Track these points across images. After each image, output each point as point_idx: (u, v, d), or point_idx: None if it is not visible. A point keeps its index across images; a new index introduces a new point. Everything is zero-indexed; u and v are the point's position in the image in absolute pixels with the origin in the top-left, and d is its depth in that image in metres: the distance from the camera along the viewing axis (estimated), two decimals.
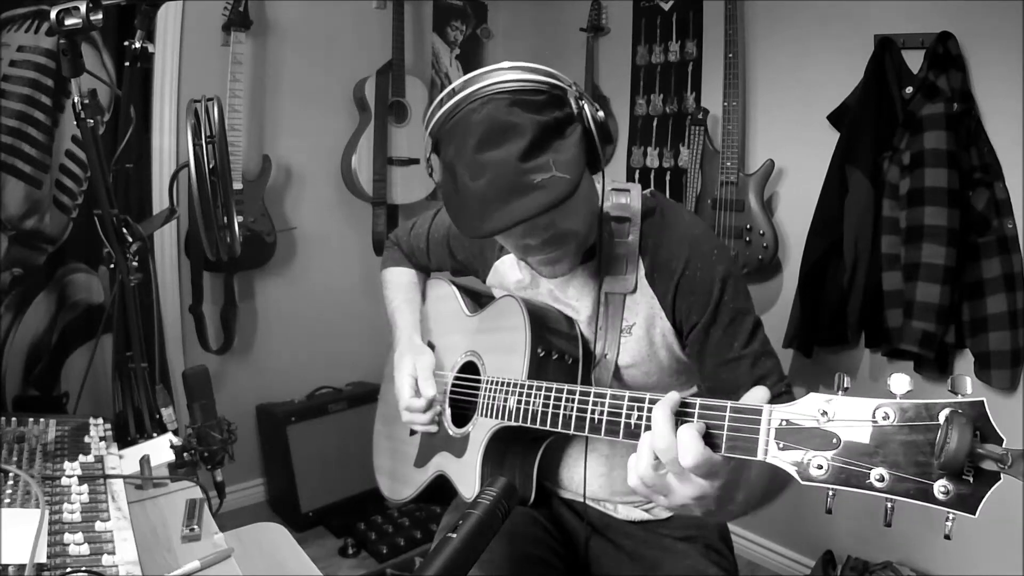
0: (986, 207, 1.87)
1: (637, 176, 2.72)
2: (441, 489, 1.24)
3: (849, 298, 2.09)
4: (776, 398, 1.05)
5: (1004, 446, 0.57)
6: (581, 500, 1.22)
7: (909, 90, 1.95)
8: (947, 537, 0.60)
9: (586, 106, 0.95)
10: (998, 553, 1.91)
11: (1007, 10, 1.82)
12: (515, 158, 0.88)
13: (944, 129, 1.86)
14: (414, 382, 1.22)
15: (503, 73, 0.93)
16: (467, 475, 1.12)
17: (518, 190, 0.88)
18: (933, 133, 1.87)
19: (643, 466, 0.76)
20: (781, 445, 0.68)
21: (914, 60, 1.97)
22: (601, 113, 0.96)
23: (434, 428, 1.22)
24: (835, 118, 2.15)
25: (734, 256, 2.27)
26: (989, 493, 0.58)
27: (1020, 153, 1.85)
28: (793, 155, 2.28)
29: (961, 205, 1.86)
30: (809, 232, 2.15)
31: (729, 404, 0.74)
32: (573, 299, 1.15)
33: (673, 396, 0.77)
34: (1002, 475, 0.57)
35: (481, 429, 1.11)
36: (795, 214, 2.26)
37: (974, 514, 0.58)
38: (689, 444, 0.72)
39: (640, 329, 1.10)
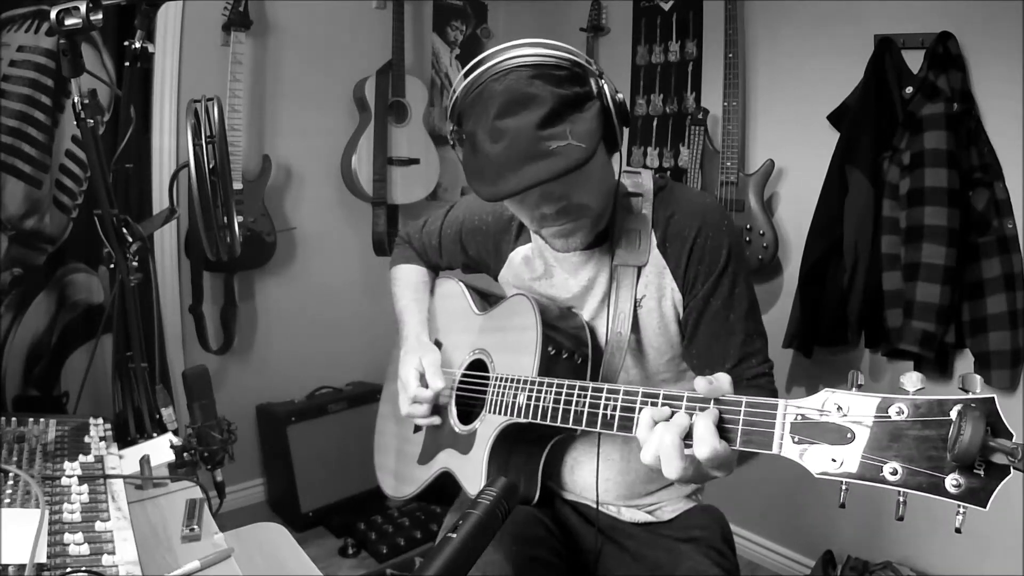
0: (986, 207, 1.87)
1: None
2: (443, 489, 1.24)
3: (849, 298, 2.09)
4: (757, 378, 1.08)
5: (1014, 440, 0.58)
6: (584, 502, 1.23)
7: (909, 90, 1.95)
8: (958, 530, 0.60)
9: (605, 86, 0.97)
10: (998, 553, 1.91)
11: (1007, 10, 1.82)
12: (532, 126, 0.91)
13: (944, 129, 1.86)
14: (420, 375, 1.22)
15: (526, 47, 0.96)
16: (473, 472, 1.12)
17: (534, 155, 0.91)
18: (933, 133, 1.87)
19: (646, 458, 0.80)
20: (796, 439, 0.69)
21: (914, 60, 1.97)
22: (620, 95, 0.99)
23: (436, 420, 1.22)
24: (835, 118, 2.15)
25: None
26: (1000, 486, 0.58)
27: (1020, 153, 1.85)
28: (793, 155, 2.28)
29: (961, 205, 1.86)
30: (809, 232, 2.15)
31: (744, 399, 0.75)
32: (588, 285, 1.15)
33: (713, 412, 0.78)
34: (1012, 469, 0.58)
35: (489, 425, 1.11)
36: (795, 214, 2.26)
37: (985, 507, 0.59)
38: (704, 436, 0.74)
39: (652, 300, 1.11)
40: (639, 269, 1.10)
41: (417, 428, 1.34)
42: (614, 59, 2.77)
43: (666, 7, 2.61)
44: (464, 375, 1.24)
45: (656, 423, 0.80)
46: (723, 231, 1.08)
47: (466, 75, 0.98)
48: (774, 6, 2.30)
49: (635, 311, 1.11)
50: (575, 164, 0.91)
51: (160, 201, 2.30)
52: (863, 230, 2.04)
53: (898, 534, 2.13)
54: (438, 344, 1.33)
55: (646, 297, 1.11)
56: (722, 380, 0.79)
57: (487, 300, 1.35)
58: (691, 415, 0.78)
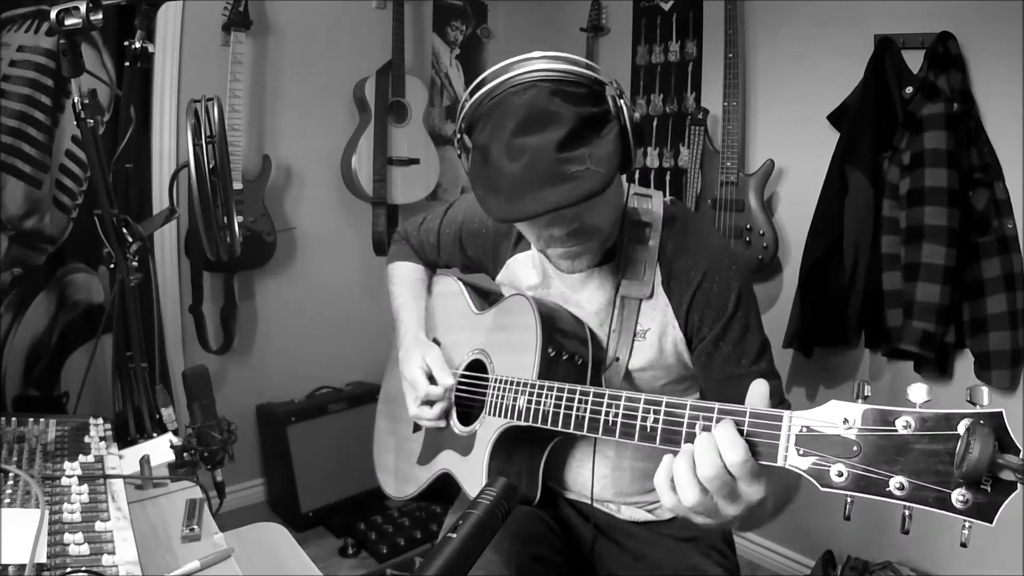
0: (986, 207, 1.87)
1: (637, 176, 2.72)
2: (443, 488, 1.24)
3: (849, 298, 2.09)
4: None
5: (1022, 456, 0.58)
6: (585, 501, 1.22)
7: (909, 90, 1.95)
8: (963, 545, 0.60)
9: (624, 106, 0.95)
10: (998, 553, 1.90)
11: (1007, 10, 1.82)
12: (553, 146, 0.89)
13: (944, 129, 1.86)
14: (426, 373, 1.21)
15: (546, 61, 0.94)
16: (473, 473, 1.12)
17: (553, 178, 0.89)
18: (933, 133, 1.87)
19: (690, 496, 0.73)
20: (801, 451, 0.68)
21: (914, 60, 1.97)
22: (638, 115, 0.97)
23: (442, 423, 1.22)
24: (835, 118, 2.15)
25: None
26: (1006, 502, 0.58)
27: (1020, 153, 1.85)
28: (793, 155, 2.27)
29: (961, 205, 1.86)
30: (809, 232, 2.15)
31: (749, 409, 0.73)
32: (586, 302, 1.14)
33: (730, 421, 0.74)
34: (1019, 485, 0.58)
35: (489, 428, 1.11)
36: (795, 214, 2.26)
37: (991, 523, 0.58)
38: (733, 440, 0.71)
39: (653, 335, 1.10)
40: (641, 301, 1.09)
41: (417, 427, 1.34)
42: (614, 59, 2.77)
43: (666, 7, 2.61)
44: (463, 375, 1.23)
45: (672, 478, 0.75)
46: (731, 274, 1.06)
47: (481, 84, 0.95)
48: (774, 6, 2.30)
49: (633, 342, 1.10)
50: (595, 191, 0.89)
51: (160, 201, 2.30)
52: (863, 230, 2.04)
53: (898, 534, 2.12)
54: (436, 343, 1.33)
55: (649, 331, 1.10)
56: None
57: (486, 299, 1.34)
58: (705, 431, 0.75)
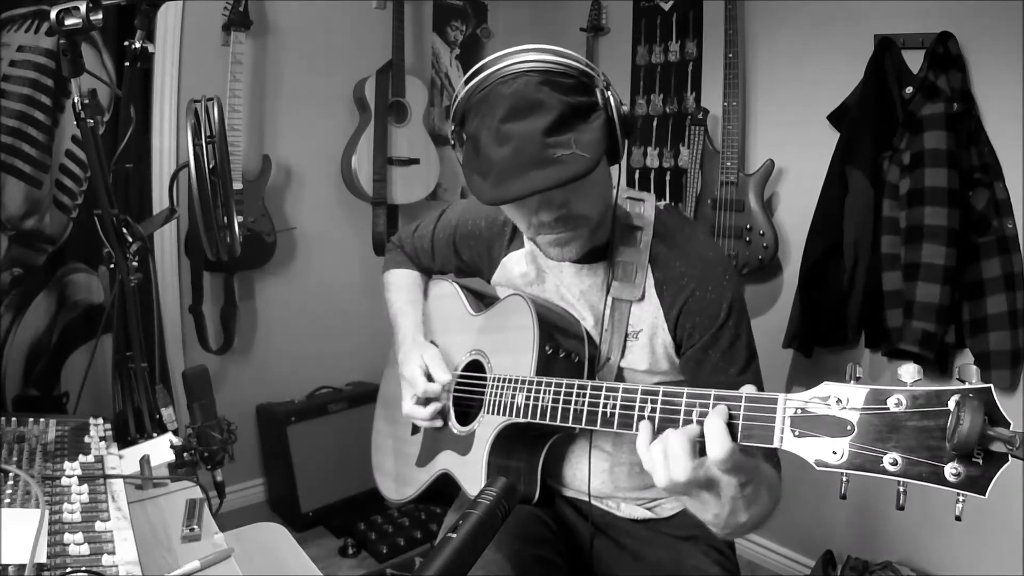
0: (986, 207, 1.87)
1: (637, 176, 2.72)
2: (442, 489, 1.24)
3: (849, 298, 2.09)
4: None
5: (1012, 429, 0.59)
6: (584, 498, 1.22)
7: (909, 90, 1.95)
8: (958, 518, 0.61)
9: (612, 97, 0.97)
10: (998, 553, 1.91)
11: (1007, 10, 1.82)
12: (539, 132, 0.91)
13: (944, 129, 1.86)
14: (424, 372, 1.22)
15: (536, 53, 0.96)
16: (472, 473, 1.12)
17: (538, 162, 0.91)
18: (933, 133, 1.87)
19: (678, 469, 0.76)
20: (797, 432, 0.70)
21: (914, 60, 1.97)
22: (626, 107, 0.99)
23: (438, 423, 1.22)
24: (835, 118, 2.15)
25: (735, 261, 2.27)
26: (998, 474, 0.59)
27: (1020, 153, 1.85)
28: (793, 155, 2.28)
29: (961, 205, 1.86)
30: (809, 232, 2.15)
31: (744, 394, 0.75)
32: (579, 299, 1.15)
33: (723, 410, 0.76)
34: (1010, 457, 0.59)
35: (487, 426, 1.11)
36: (795, 214, 2.26)
37: (984, 495, 0.59)
38: (718, 433, 0.73)
39: (645, 336, 1.11)
40: (632, 303, 1.10)
41: (415, 430, 1.34)
42: (614, 59, 2.77)
43: (666, 7, 2.61)
44: (461, 376, 1.23)
45: (652, 443, 0.79)
46: (724, 284, 1.07)
47: (473, 75, 0.98)
48: (774, 6, 2.30)
49: (625, 343, 1.11)
50: (579, 174, 0.91)
51: (160, 201, 2.30)
52: (863, 230, 2.04)
53: (898, 534, 2.13)
54: (434, 345, 1.33)
55: (641, 332, 1.11)
56: None
57: (482, 300, 1.34)
58: (700, 424, 0.77)
